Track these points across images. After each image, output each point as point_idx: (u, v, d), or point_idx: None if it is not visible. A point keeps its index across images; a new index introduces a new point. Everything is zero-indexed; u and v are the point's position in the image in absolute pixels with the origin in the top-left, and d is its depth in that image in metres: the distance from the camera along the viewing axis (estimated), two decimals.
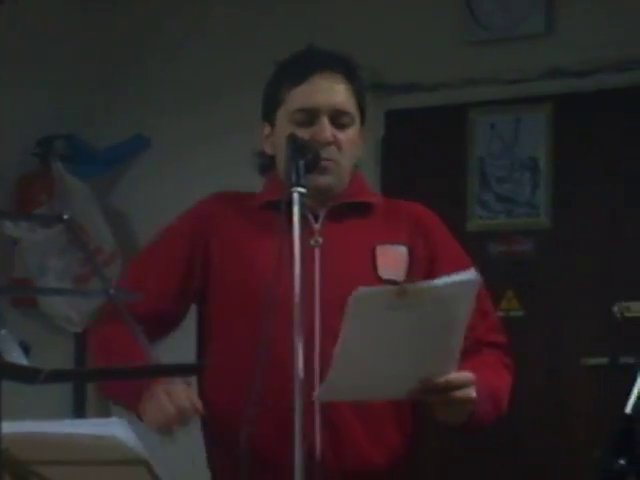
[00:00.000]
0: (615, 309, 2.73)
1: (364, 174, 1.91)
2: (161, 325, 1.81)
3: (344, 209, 1.80)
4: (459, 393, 1.60)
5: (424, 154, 3.20)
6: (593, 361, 3.12)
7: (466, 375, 1.60)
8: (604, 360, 3.05)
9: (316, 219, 1.72)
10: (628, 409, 1.55)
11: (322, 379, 1.63)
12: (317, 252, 1.70)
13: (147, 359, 1.59)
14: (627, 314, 2.73)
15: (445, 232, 1.86)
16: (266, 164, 1.86)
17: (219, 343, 1.81)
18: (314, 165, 1.65)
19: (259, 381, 1.55)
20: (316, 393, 1.58)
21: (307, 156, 1.64)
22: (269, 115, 1.80)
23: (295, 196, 1.56)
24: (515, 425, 2.98)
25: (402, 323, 1.58)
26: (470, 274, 1.55)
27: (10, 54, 3.40)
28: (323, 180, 1.70)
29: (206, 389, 1.78)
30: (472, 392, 1.60)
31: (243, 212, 1.86)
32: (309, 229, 1.68)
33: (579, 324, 3.12)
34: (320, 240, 1.72)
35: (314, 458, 1.64)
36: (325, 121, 1.72)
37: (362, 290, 1.50)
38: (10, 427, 1.36)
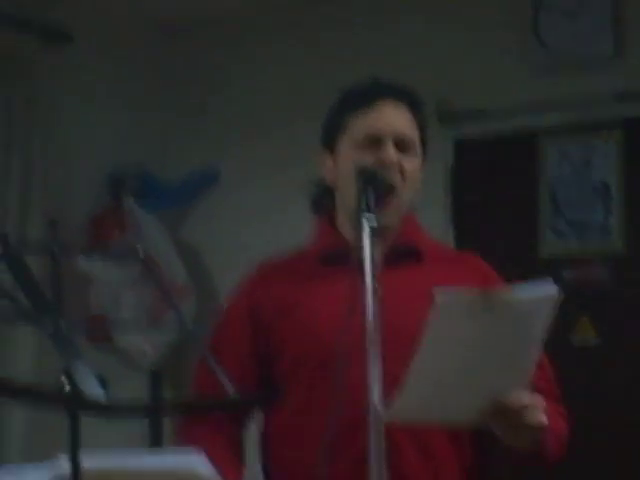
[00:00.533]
0: None
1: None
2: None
3: (400, 254, 1.78)
4: (531, 416, 1.56)
5: (494, 182, 3.19)
6: None
7: (539, 399, 1.57)
8: None
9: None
10: None
11: (396, 447, 1.62)
12: (381, 308, 1.61)
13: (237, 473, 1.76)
14: None
15: (501, 281, 1.81)
16: (320, 194, 1.84)
17: (285, 414, 1.80)
18: (386, 196, 1.64)
19: (332, 433, 1.56)
20: (387, 413, 1.51)
21: (378, 186, 1.63)
22: (330, 142, 1.78)
23: (366, 227, 1.52)
24: (595, 457, 2.92)
25: (481, 334, 1.56)
26: (551, 288, 1.52)
27: (83, 89, 3.51)
28: (384, 219, 1.65)
29: (276, 445, 1.80)
30: (544, 417, 1.57)
31: (296, 271, 1.85)
32: (375, 275, 1.61)
33: None
34: (379, 288, 1.64)
35: None
36: (390, 145, 1.70)
37: (448, 294, 1.48)
38: (89, 461, 1.33)
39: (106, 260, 3.35)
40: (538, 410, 1.57)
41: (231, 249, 3.57)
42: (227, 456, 1.75)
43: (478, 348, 1.57)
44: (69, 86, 3.50)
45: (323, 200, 1.84)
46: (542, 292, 1.53)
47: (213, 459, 1.50)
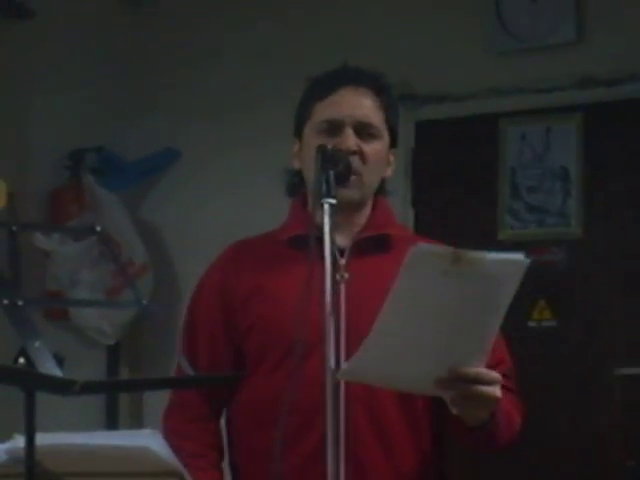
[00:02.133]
0: None
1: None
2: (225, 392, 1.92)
3: (369, 242, 1.83)
4: (485, 388, 1.59)
5: (454, 164, 3.27)
6: (626, 371, 3.13)
7: (495, 374, 1.59)
8: (638, 370, 3.06)
9: (341, 253, 1.73)
10: None
11: (354, 427, 1.69)
12: (343, 287, 1.72)
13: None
14: None
15: None
16: (295, 182, 1.89)
17: (246, 395, 1.86)
18: (346, 176, 1.66)
19: (284, 418, 1.58)
20: (341, 370, 1.59)
21: (338, 167, 1.65)
22: (298, 129, 1.85)
23: (326, 207, 1.56)
24: (546, 435, 3.04)
25: (448, 296, 1.56)
26: (520, 256, 1.52)
27: (41, 68, 3.53)
28: (346, 193, 1.70)
29: (236, 429, 1.88)
30: (498, 391, 1.59)
31: (265, 254, 1.90)
32: (335, 264, 1.69)
33: (612, 333, 3.12)
34: (346, 275, 1.73)
35: None
36: (349, 131, 1.74)
37: (422, 246, 1.50)
38: (43, 439, 1.37)
39: (64, 236, 3.35)
40: (494, 384, 1.60)
41: (190, 228, 3.67)
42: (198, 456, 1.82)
43: (442, 312, 1.58)
44: (29, 61, 3.50)
45: (296, 185, 1.90)
46: (511, 257, 1.54)
47: (185, 450, 1.64)
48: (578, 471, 3.05)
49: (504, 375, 1.70)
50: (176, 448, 1.52)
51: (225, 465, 1.91)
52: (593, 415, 3.24)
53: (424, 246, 1.48)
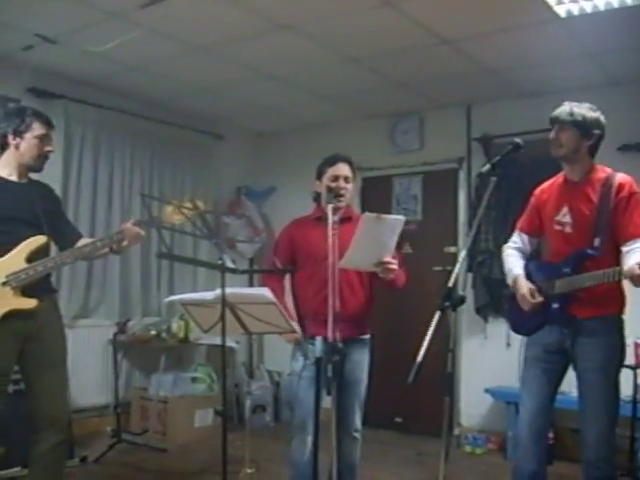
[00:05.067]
0: None
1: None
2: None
3: (345, 218, 3.34)
4: (391, 266, 3.16)
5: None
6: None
7: (394, 260, 3.16)
8: None
9: (334, 223, 3.00)
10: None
11: (340, 287, 3.04)
12: (336, 237, 2.95)
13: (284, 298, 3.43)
14: None
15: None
16: (316, 197, 3.59)
17: (300, 276, 3.49)
18: (336, 196, 3.34)
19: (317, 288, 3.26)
20: (339, 264, 2.95)
21: (334, 193, 3.35)
22: (319, 177, 3.51)
23: (329, 207, 3.06)
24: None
25: (375, 232, 2.92)
26: (401, 217, 3.02)
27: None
28: (340, 203, 3.36)
29: (296, 292, 3.53)
30: (395, 266, 3.17)
31: (305, 223, 3.54)
32: (333, 226, 2.96)
33: None
34: (337, 231, 2.99)
35: (335, 310, 2.91)
36: (342, 180, 3.47)
37: (368, 214, 2.92)
38: (230, 291, 2.97)
39: (234, 218, 6.81)
40: (394, 265, 3.17)
41: (277, 216, 6.64)
42: (282, 295, 3.41)
43: (374, 239, 2.98)
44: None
45: (317, 198, 3.56)
46: (398, 217, 3.03)
47: (277, 295, 3.12)
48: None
49: (399, 262, 3.26)
50: (273, 293, 3.00)
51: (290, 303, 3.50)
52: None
53: (366, 215, 2.89)
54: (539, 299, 3.18)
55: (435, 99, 6.11)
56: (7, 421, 3.48)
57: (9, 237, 3.33)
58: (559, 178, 3.34)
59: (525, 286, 3.23)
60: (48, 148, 3.54)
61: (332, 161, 3.55)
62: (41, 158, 3.52)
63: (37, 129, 3.49)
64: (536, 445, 3.20)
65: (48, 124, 3.54)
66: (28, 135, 3.46)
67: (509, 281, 3.31)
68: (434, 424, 5.50)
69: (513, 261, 3.39)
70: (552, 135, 3.16)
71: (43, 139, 3.51)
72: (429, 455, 5.29)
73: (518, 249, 3.46)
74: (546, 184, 3.42)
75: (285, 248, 3.63)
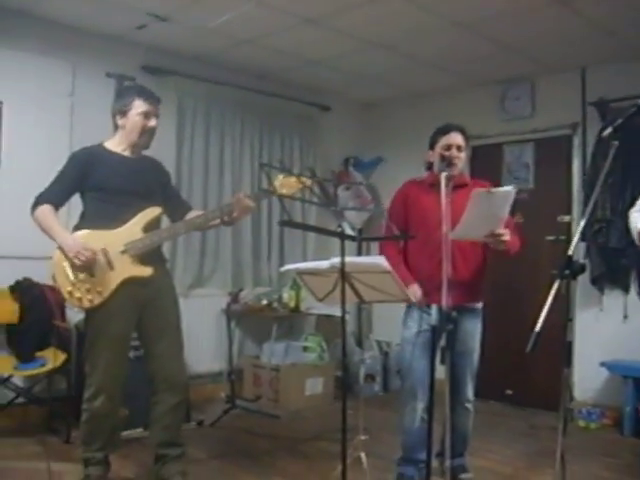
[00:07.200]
0: None
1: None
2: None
3: (458, 185, 3.41)
4: (503, 237, 3.19)
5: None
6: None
7: (506, 230, 3.20)
8: None
9: (448, 190, 3.02)
10: None
11: (453, 254, 3.08)
12: (449, 205, 2.98)
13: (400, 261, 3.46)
14: None
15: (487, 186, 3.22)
16: (429, 167, 3.64)
17: (412, 242, 3.52)
18: (449, 165, 3.37)
19: (430, 253, 3.23)
20: (450, 235, 2.96)
21: (446, 162, 3.42)
22: (432, 146, 3.59)
23: (443, 175, 3.06)
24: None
25: (487, 205, 2.98)
26: (511, 188, 3.04)
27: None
28: (451, 170, 3.35)
29: (408, 258, 3.56)
30: (508, 237, 3.21)
31: (420, 187, 3.58)
32: (447, 193, 2.97)
33: None
34: (450, 198, 3.00)
35: (447, 278, 2.92)
36: (455, 149, 3.52)
37: (477, 191, 3.01)
38: (346, 260, 2.94)
39: (343, 188, 6.84)
40: (507, 235, 3.19)
41: (384, 184, 6.67)
42: (401, 263, 3.48)
43: (485, 212, 3.01)
44: None
45: (429, 167, 3.64)
46: (509, 189, 3.06)
47: (395, 263, 3.10)
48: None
49: (511, 229, 3.29)
50: (390, 261, 2.95)
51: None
52: None
53: (476, 191, 2.97)
54: None
55: (548, 63, 5.95)
56: (129, 386, 3.62)
57: (126, 209, 3.49)
58: None
59: None
60: (150, 124, 3.65)
61: (445, 130, 3.56)
62: (146, 134, 3.65)
63: (139, 106, 3.61)
64: None
65: (151, 100, 3.65)
66: (132, 112, 3.60)
67: (635, 235, 3.12)
68: (546, 396, 5.53)
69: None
70: None
71: (146, 115, 3.63)
72: (541, 428, 5.25)
73: None
74: None
75: (399, 208, 3.63)
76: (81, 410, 3.56)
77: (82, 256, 3.34)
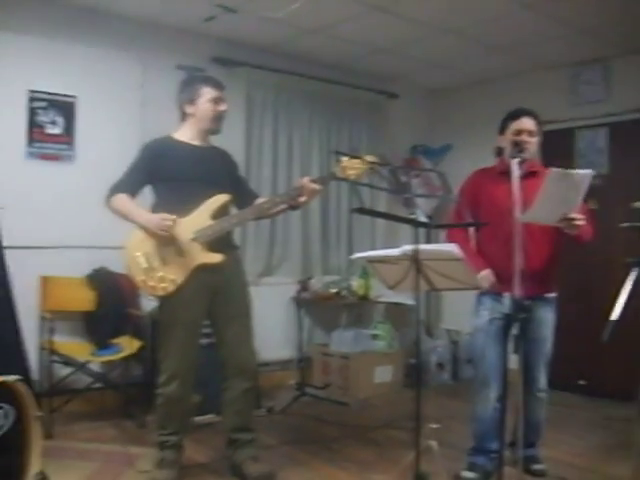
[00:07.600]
0: None
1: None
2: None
3: (530, 172, 3.28)
4: (577, 221, 3.07)
5: None
6: None
7: (580, 215, 3.08)
8: None
9: (519, 178, 2.92)
10: None
11: (525, 243, 2.83)
12: (520, 191, 2.89)
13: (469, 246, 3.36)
14: None
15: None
16: (499, 152, 3.53)
17: (483, 231, 3.45)
18: (520, 151, 3.23)
19: (502, 241, 3.05)
20: (521, 217, 2.82)
21: (518, 148, 3.27)
22: (502, 131, 3.49)
23: (515, 161, 3.01)
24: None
25: (563, 189, 2.86)
26: (589, 171, 2.88)
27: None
28: (521, 156, 3.14)
29: (479, 247, 3.49)
30: (582, 222, 3.08)
31: (489, 176, 3.50)
32: (517, 181, 2.89)
33: None
34: (521, 185, 2.90)
35: (519, 267, 2.80)
36: (525, 135, 3.40)
37: (555, 170, 2.85)
38: (423, 247, 2.90)
39: (413, 175, 6.74)
40: (581, 220, 3.08)
41: (455, 171, 6.05)
42: (472, 250, 3.45)
43: (560, 194, 2.91)
44: None
45: (499, 152, 3.53)
46: (587, 172, 2.91)
47: (465, 249, 3.13)
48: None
49: (585, 215, 3.15)
50: (461, 248, 2.90)
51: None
52: None
53: (552, 170, 2.85)
54: None
55: (622, 45, 5.77)
56: (201, 372, 3.67)
57: (196, 197, 3.51)
58: None
59: None
60: (221, 108, 3.71)
61: (516, 115, 3.50)
62: (217, 119, 3.70)
63: (207, 93, 3.67)
64: None
65: (217, 86, 3.70)
66: (201, 100, 3.66)
67: None
68: (620, 387, 5.30)
69: None
70: None
71: (215, 101, 3.68)
72: (616, 420, 5.13)
73: None
74: None
75: (469, 196, 3.58)
76: (156, 395, 3.62)
77: (164, 226, 3.39)
